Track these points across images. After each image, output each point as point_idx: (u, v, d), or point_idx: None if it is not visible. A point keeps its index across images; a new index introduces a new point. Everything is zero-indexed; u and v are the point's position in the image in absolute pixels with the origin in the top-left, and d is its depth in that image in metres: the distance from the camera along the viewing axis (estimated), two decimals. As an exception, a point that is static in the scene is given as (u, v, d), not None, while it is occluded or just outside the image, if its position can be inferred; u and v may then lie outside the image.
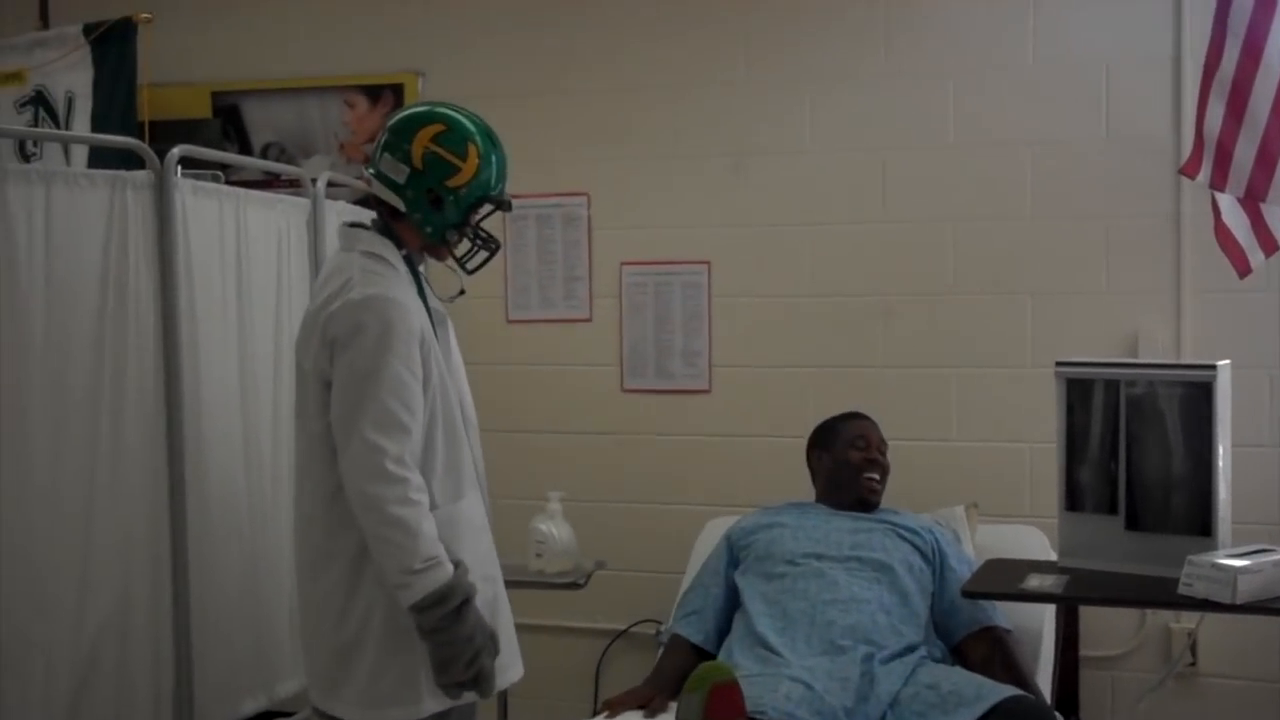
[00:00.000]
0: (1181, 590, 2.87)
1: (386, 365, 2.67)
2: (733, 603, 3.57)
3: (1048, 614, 3.69)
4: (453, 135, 2.83)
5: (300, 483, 2.91)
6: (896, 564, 3.48)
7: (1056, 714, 3.17)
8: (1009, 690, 3.04)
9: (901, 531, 3.60)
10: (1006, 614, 3.53)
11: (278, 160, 4.85)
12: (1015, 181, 4.20)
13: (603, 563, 3.98)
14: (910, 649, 3.31)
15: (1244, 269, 3.69)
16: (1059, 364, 3.27)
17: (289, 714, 4.00)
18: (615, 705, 3.25)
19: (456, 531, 2.79)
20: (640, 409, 4.54)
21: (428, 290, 2.89)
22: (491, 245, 2.95)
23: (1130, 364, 3.51)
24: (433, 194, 2.82)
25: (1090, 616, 4.07)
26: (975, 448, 4.22)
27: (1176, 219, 4.06)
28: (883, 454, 3.80)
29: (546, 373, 4.62)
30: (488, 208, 2.89)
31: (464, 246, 2.92)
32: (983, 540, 3.83)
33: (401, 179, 2.83)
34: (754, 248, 4.43)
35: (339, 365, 2.72)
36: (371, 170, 2.89)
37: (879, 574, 3.45)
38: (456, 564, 2.70)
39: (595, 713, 3.26)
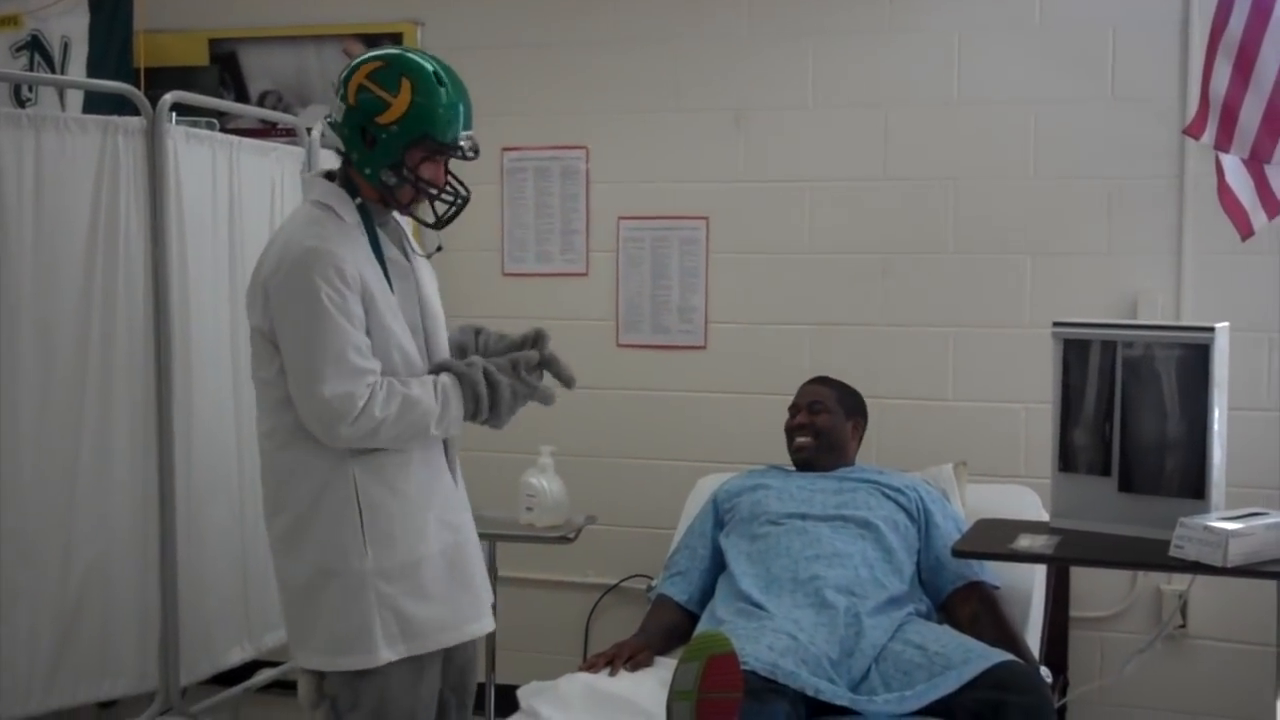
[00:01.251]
0: (1173, 552, 2.85)
1: (319, 316, 2.64)
2: (718, 564, 3.56)
3: (1038, 574, 3.68)
4: (388, 71, 2.75)
5: (258, 428, 2.89)
6: (881, 521, 3.48)
7: (1045, 680, 3.17)
8: (997, 656, 3.02)
9: (886, 490, 3.60)
10: (996, 573, 3.52)
11: (275, 109, 4.81)
12: (1018, 141, 4.16)
13: (593, 517, 3.97)
14: (894, 601, 3.30)
15: (1246, 231, 3.65)
16: (1056, 324, 3.24)
17: (276, 664, 4.01)
18: (600, 662, 3.24)
19: (408, 471, 2.79)
20: (635, 364, 4.52)
21: (384, 241, 2.83)
22: (455, 197, 2.86)
23: (1127, 325, 3.49)
24: (366, 132, 2.75)
25: (1081, 577, 4.08)
26: (971, 407, 4.21)
27: (1180, 181, 4.03)
28: (814, 412, 3.77)
29: (542, 326, 4.58)
30: (428, 150, 2.78)
31: (408, 192, 2.81)
32: (975, 500, 3.81)
33: (340, 117, 2.79)
34: (753, 204, 4.40)
35: (279, 322, 2.70)
36: (327, 116, 2.87)
37: (863, 530, 3.44)
38: (440, 370, 2.83)
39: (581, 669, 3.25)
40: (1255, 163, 3.61)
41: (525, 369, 2.89)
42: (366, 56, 2.83)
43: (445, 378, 2.79)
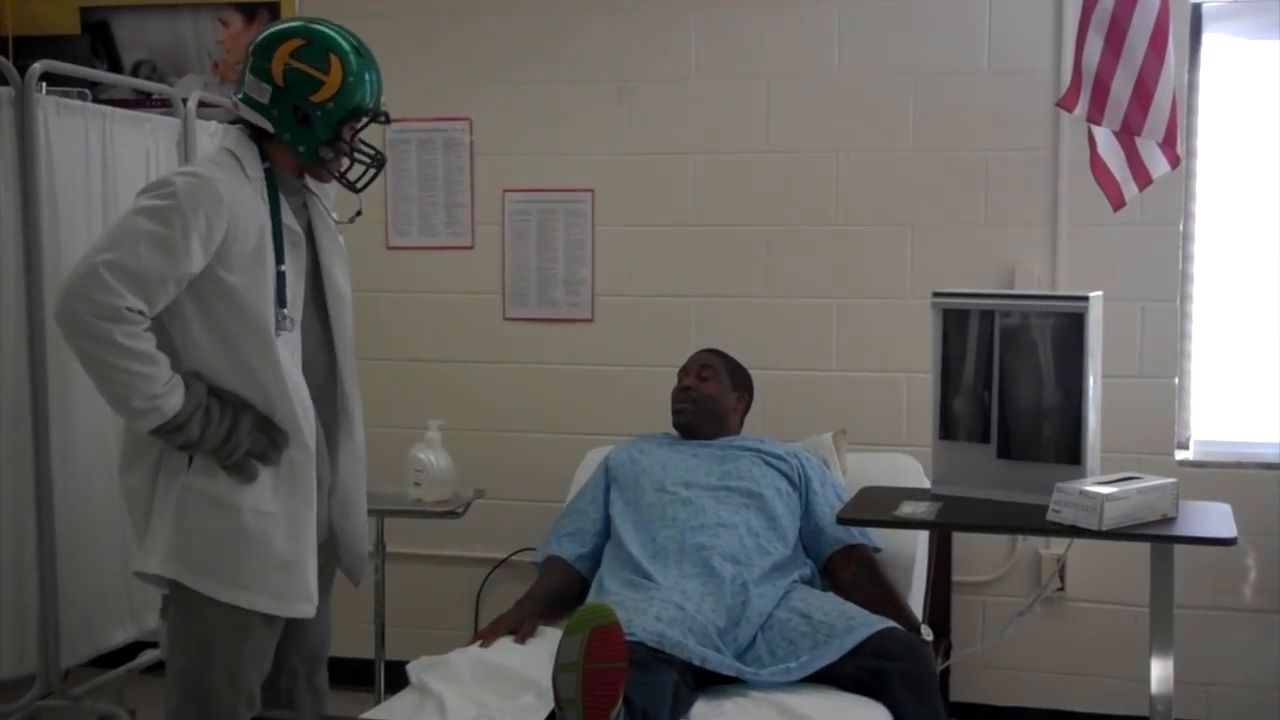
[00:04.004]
0: (1050, 517, 2.91)
1: (163, 221, 2.56)
2: (609, 528, 3.57)
3: (921, 540, 3.75)
4: (313, 49, 2.72)
5: None
6: (765, 489, 3.51)
7: (927, 643, 3.23)
8: (879, 623, 3.08)
9: (768, 458, 3.63)
10: (878, 539, 3.58)
11: (149, 79, 4.70)
12: (898, 113, 4.21)
13: (482, 492, 3.95)
14: (779, 567, 3.34)
15: (1118, 202, 3.74)
16: (935, 295, 3.29)
17: (158, 645, 3.94)
18: (486, 636, 3.24)
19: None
20: (522, 338, 4.51)
21: (284, 209, 2.77)
22: (378, 160, 2.87)
23: (1004, 295, 3.56)
24: (299, 111, 2.72)
25: (962, 543, 4.16)
26: (854, 377, 4.26)
27: (1055, 152, 4.11)
28: (702, 379, 3.80)
29: (427, 300, 4.56)
30: (361, 121, 2.81)
31: (345, 163, 2.83)
32: (858, 468, 3.87)
33: (266, 99, 2.73)
34: (638, 176, 4.40)
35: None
36: (239, 95, 2.79)
37: (747, 500, 3.48)
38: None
39: (470, 643, 3.24)
40: (1126, 135, 3.70)
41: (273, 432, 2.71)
42: (279, 32, 2.77)
43: (195, 385, 2.63)
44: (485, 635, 3.24)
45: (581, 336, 4.47)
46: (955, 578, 4.18)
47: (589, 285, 4.45)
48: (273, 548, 2.72)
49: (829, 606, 3.19)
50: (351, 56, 2.75)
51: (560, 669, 2.21)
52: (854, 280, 4.26)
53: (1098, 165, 3.72)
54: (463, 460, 3.92)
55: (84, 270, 2.52)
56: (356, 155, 2.83)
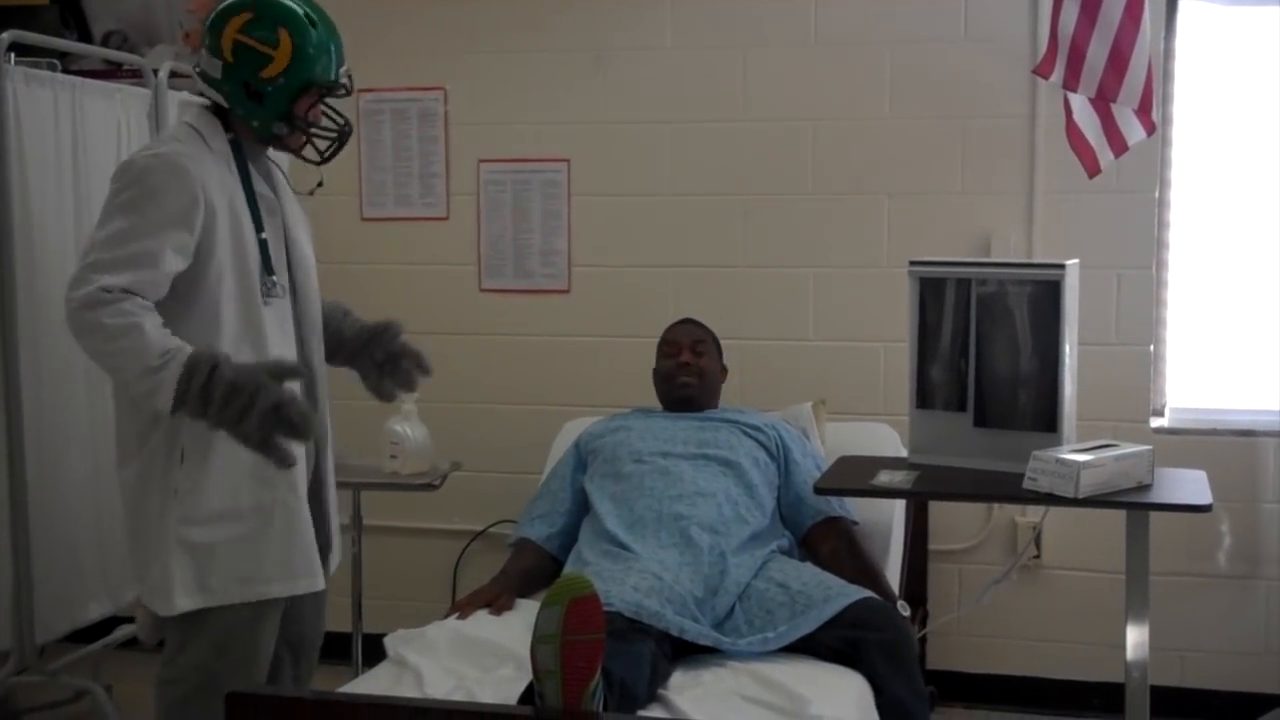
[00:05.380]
0: (1026, 485, 2.92)
1: (133, 207, 2.54)
2: (581, 508, 3.56)
3: (897, 509, 3.75)
4: (261, 22, 2.66)
5: None
6: (743, 458, 3.51)
7: (903, 615, 3.23)
8: (856, 593, 3.08)
9: (746, 429, 3.63)
10: (856, 508, 3.58)
11: (119, 50, 4.65)
12: (874, 81, 4.19)
13: (458, 464, 3.95)
14: (757, 537, 3.34)
15: (1094, 169, 3.74)
16: (912, 263, 3.29)
17: (134, 619, 3.92)
18: (463, 607, 3.24)
19: None
20: (498, 309, 4.49)
21: (254, 177, 2.75)
22: (342, 133, 2.80)
23: (981, 263, 3.56)
24: (250, 87, 2.67)
25: (939, 511, 4.17)
26: (831, 347, 4.26)
27: (1031, 120, 4.10)
28: (699, 354, 3.78)
29: (403, 272, 4.53)
30: (314, 94, 2.74)
31: (301, 139, 2.77)
32: (836, 438, 3.87)
33: (218, 74, 2.69)
34: (614, 146, 4.38)
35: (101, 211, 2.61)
36: (196, 69, 2.76)
37: (725, 468, 3.47)
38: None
39: (448, 615, 3.24)
40: (1102, 101, 3.70)
41: (294, 415, 2.51)
42: (230, 5, 2.71)
43: (186, 351, 2.51)
44: (462, 607, 3.23)
45: (558, 308, 4.45)
46: (932, 546, 4.20)
47: (565, 256, 4.43)
48: (277, 533, 2.72)
49: (807, 577, 3.20)
50: (303, 28, 2.68)
51: (539, 640, 2.21)
52: (831, 250, 4.25)
53: (1073, 132, 3.71)
54: (439, 433, 3.91)
55: (71, 279, 2.52)
56: (314, 130, 2.77)
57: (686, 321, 3.88)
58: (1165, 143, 4.09)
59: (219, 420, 2.48)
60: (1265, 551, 4.08)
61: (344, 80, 2.77)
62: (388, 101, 4.48)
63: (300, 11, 2.70)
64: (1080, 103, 3.70)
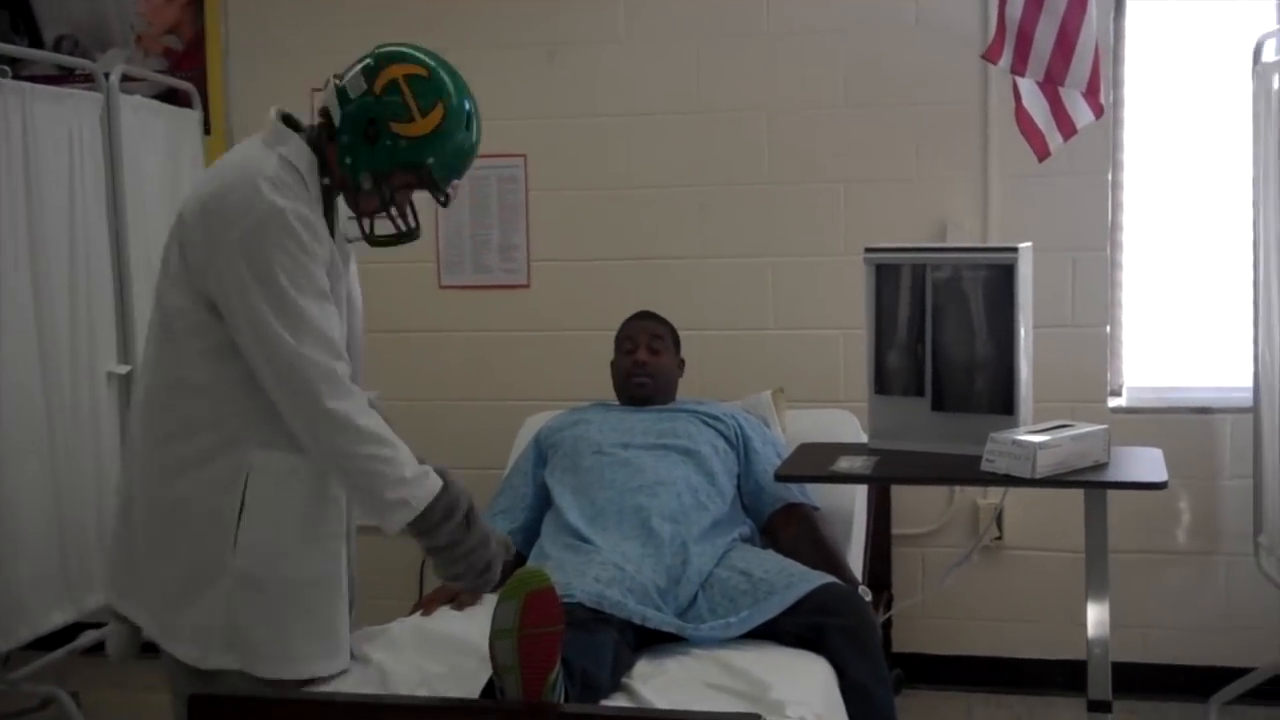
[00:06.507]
0: (984, 467, 2.93)
1: (293, 285, 2.42)
2: (543, 502, 3.56)
3: (859, 494, 3.77)
4: (429, 85, 2.53)
5: (150, 376, 2.60)
6: (703, 446, 3.52)
7: (865, 600, 3.25)
8: (818, 579, 3.10)
9: (705, 418, 3.64)
10: (818, 495, 3.59)
11: (71, 55, 4.62)
12: (827, 70, 4.21)
13: (422, 461, 3.93)
14: (718, 525, 3.36)
15: (1043, 153, 3.76)
16: (867, 250, 3.30)
17: (99, 625, 3.90)
18: (427, 604, 3.24)
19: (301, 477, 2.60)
20: (458, 306, 4.49)
21: (337, 223, 2.63)
22: (408, 234, 2.66)
23: (935, 249, 3.57)
24: (373, 126, 2.51)
25: (900, 495, 4.20)
26: (791, 335, 4.28)
27: (984, 106, 4.13)
28: (654, 350, 3.78)
29: (361, 271, 4.45)
30: (416, 179, 2.57)
31: (375, 203, 2.58)
32: (796, 425, 3.88)
33: (354, 94, 2.53)
34: (570, 140, 4.39)
35: (231, 286, 2.41)
36: (339, 79, 2.59)
37: (684, 457, 3.48)
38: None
39: (411, 612, 3.24)
40: (1050, 85, 3.72)
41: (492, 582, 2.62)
42: (409, 52, 2.57)
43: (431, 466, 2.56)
44: (426, 604, 3.23)
45: (518, 303, 4.45)
46: (895, 530, 4.22)
47: (524, 251, 4.44)
48: (317, 613, 2.63)
49: (769, 564, 3.21)
50: (459, 121, 2.55)
51: (496, 635, 2.21)
52: (788, 239, 4.27)
53: (1022, 116, 3.73)
54: (401, 431, 3.86)
55: (323, 371, 2.45)
56: (393, 207, 2.61)
57: (644, 315, 3.89)
58: (1117, 124, 4.13)
59: (452, 549, 2.57)
60: (1223, 527, 4.12)
61: (449, 190, 2.64)
62: (342, 100, 4.46)
63: (467, 109, 2.59)
64: (1029, 87, 3.72)
